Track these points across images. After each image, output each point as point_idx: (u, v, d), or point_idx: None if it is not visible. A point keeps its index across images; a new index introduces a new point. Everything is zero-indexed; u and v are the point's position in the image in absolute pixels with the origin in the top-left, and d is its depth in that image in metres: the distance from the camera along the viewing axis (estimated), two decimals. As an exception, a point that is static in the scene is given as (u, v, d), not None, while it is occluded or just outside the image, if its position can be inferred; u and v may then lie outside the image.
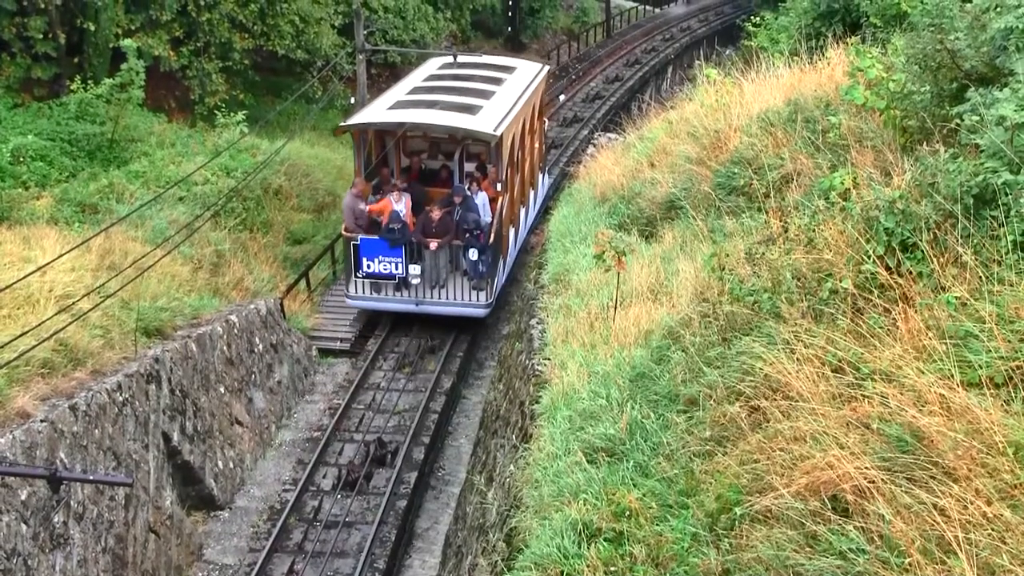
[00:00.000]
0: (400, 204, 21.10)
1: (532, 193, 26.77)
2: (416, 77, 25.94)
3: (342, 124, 22.39)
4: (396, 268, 20.91)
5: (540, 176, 28.38)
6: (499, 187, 21.85)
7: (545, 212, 26.32)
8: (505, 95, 23.68)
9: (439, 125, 22.13)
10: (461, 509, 16.01)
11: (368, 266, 20.98)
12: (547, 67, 29.07)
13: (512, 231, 23.70)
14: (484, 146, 22.59)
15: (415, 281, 21.06)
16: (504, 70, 26.61)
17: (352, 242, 21.01)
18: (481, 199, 21.64)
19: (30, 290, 14.04)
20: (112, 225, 16.43)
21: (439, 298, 21.44)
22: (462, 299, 21.47)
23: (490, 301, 21.53)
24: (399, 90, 24.41)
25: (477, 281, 21.38)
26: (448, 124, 21.99)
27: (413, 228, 20.94)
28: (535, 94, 25.45)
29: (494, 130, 21.01)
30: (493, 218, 21.43)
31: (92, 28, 28.39)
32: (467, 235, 20.85)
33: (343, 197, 22.96)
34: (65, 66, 28.35)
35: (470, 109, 22.29)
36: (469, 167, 23.75)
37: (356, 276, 21.28)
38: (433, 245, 20.80)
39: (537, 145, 27.12)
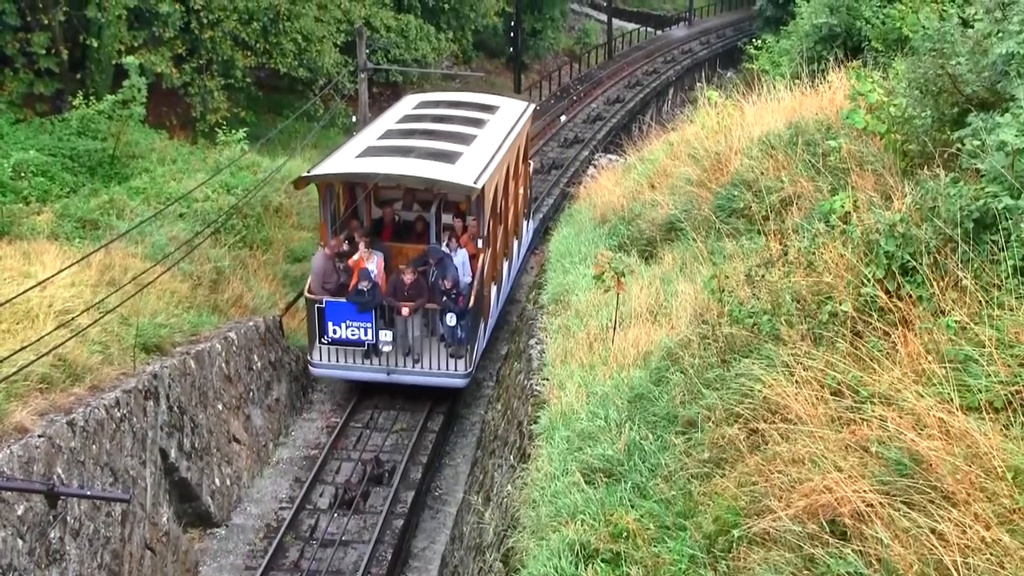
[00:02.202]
0: (371, 262, 19.27)
1: (516, 244, 24.72)
2: (389, 118, 23.60)
3: (303, 175, 20.00)
4: (365, 334, 18.79)
5: (525, 224, 26.32)
6: (480, 243, 20.10)
7: (544, 232, 26.02)
8: (487, 139, 21.67)
9: (414, 176, 19.76)
10: (458, 529, 15.96)
11: (334, 331, 18.82)
12: (532, 105, 26.62)
13: (494, 289, 21.84)
14: (464, 197, 20.40)
15: (386, 348, 19.15)
16: (486, 110, 24.52)
17: (316, 305, 18.87)
18: (460, 257, 19.80)
19: (29, 305, 14.03)
20: (112, 241, 16.46)
21: (412, 367, 19.46)
22: (438, 368, 19.40)
23: (469, 370, 19.54)
24: (371, 133, 22.18)
25: (455, 348, 19.34)
26: (424, 176, 19.53)
27: (385, 290, 19.05)
28: (520, 136, 23.36)
29: (475, 182, 18.87)
30: (473, 279, 19.50)
31: (95, 44, 28.60)
32: (444, 298, 18.83)
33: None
34: (67, 82, 28.56)
35: (448, 157, 20.13)
36: (447, 219, 21.64)
37: (320, 342, 19.18)
38: (405, 311, 18.82)
39: (522, 191, 25.23)
